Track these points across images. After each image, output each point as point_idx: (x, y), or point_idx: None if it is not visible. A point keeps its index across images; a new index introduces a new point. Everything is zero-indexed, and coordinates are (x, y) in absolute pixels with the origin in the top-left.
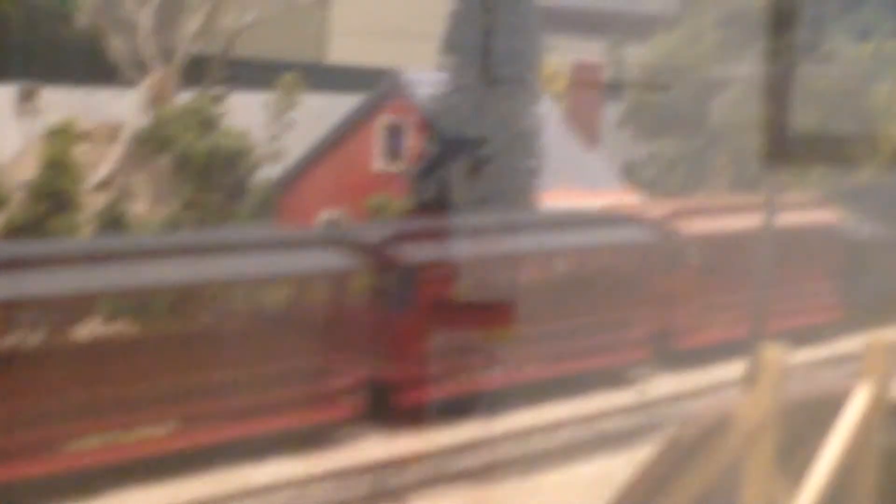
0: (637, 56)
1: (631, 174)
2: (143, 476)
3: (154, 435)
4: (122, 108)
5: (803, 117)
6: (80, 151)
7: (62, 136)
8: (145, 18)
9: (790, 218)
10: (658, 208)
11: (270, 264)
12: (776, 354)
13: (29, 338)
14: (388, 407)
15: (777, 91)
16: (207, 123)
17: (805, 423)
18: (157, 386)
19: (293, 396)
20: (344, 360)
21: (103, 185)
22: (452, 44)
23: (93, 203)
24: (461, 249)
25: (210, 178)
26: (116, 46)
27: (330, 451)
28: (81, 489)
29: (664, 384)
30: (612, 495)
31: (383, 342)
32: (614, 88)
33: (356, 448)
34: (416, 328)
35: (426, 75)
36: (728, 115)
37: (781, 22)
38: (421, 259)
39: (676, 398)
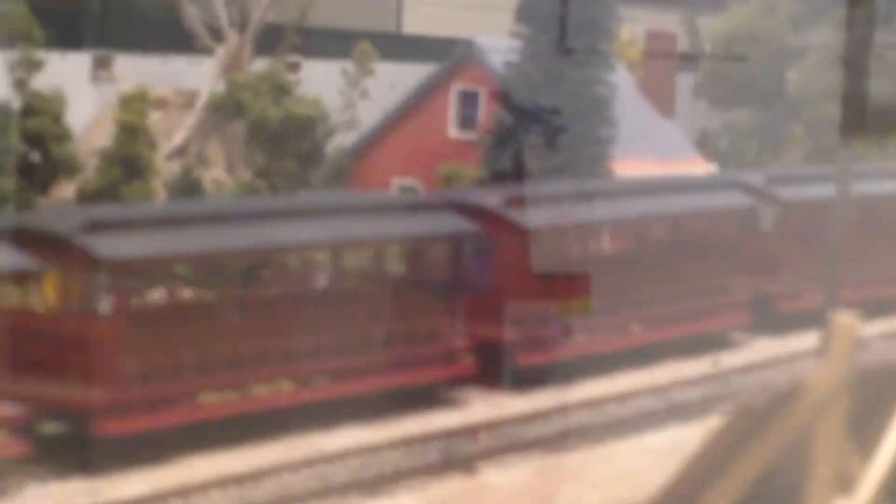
0: (712, 26)
1: (705, 145)
2: (264, 430)
3: (274, 391)
4: (197, 76)
5: (881, 88)
6: (155, 119)
7: (136, 102)
8: None
9: (874, 187)
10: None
11: (391, 227)
12: (847, 323)
13: (176, 293)
14: (500, 368)
15: (855, 61)
16: (280, 90)
17: (878, 393)
18: (284, 343)
19: (410, 356)
20: (457, 322)
21: (178, 152)
22: (527, 12)
23: (167, 170)
24: (568, 215)
25: (283, 145)
26: (192, 14)
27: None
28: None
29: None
30: (681, 463)
31: (496, 305)
32: (689, 58)
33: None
34: (523, 293)
35: (500, 43)
36: (804, 85)
37: None
38: (536, 224)
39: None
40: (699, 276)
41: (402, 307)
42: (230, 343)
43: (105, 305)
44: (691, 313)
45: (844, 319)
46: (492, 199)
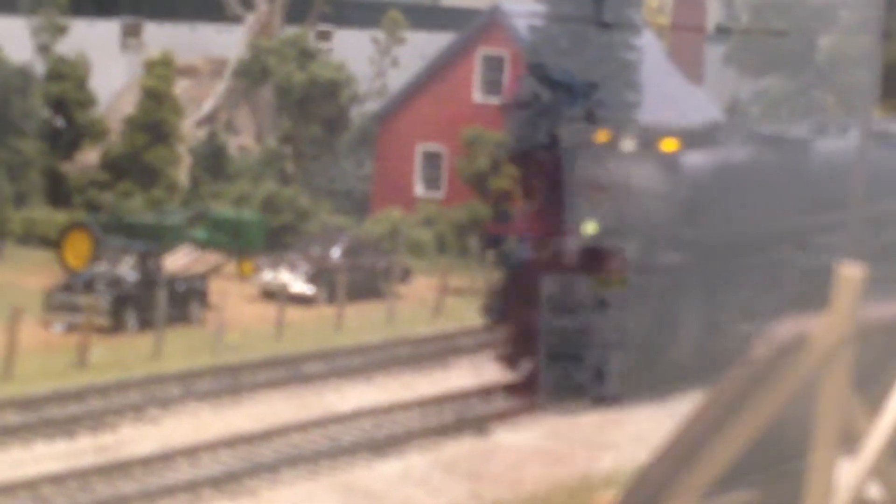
0: None
1: (735, 113)
2: None
3: None
4: (227, 44)
5: None
6: (184, 87)
7: (161, 68)
8: None
9: None
10: None
11: None
12: (853, 274)
13: None
14: None
15: (889, 27)
16: (306, 55)
17: (885, 347)
18: None
19: None
20: None
21: (207, 119)
22: None
23: (195, 136)
24: None
25: (309, 110)
26: None
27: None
28: None
29: None
30: (685, 416)
31: None
32: (719, 26)
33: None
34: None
35: (525, 8)
36: (836, 52)
37: None
38: None
39: None
40: None
41: None
42: None
43: None
44: None
45: (850, 270)
46: None
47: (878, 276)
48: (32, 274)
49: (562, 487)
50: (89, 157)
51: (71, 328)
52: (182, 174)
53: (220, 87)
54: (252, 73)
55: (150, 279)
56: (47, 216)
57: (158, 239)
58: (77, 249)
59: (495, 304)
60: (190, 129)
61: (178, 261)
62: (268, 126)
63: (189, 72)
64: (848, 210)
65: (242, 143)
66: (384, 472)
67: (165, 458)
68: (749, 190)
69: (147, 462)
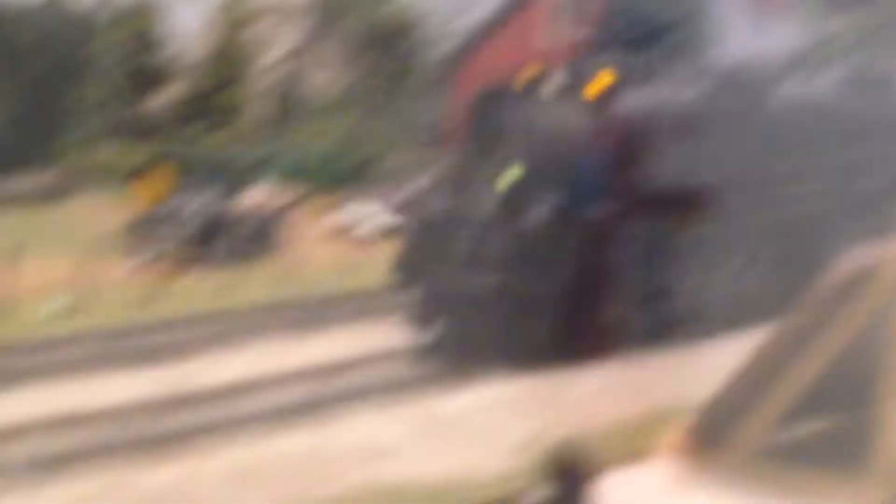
0: None
1: (824, 49)
2: None
3: None
4: None
5: None
6: (263, 25)
7: (234, 9)
8: None
9: None
10: None
11: None
12: None
13: None
14: None
15: None
16: None
17: None
18: None
19: None
20: None
21: (286, 56)
22: None
23: (269, 76)
24: None
25: (384, 48)
26: None
27: None
28: None
29: None
30: (757, 346)
31: None
32: None
33: None
34: None
35: None
36: None
37: None
38: None
39: None
40: None
41: None
42: None
43: None
44: None
45: None
46: None
47: None
48: (111, 210)
49: (632, 421)
50: (168, 95)
51: (150, 261)
52: (261, 111)
53: (297, 26)
54: (330, 11)
55: (228, 214)
56: (126, 154)
57: (237, 175)
58: (156, 185)
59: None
60: (269, 67)
61: (256, 196)
62: (345, 64)
63: (268, 11)
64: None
65: (320, 80)
66: (456, 404)
67: (240, 388)
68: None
69: (223, 392)
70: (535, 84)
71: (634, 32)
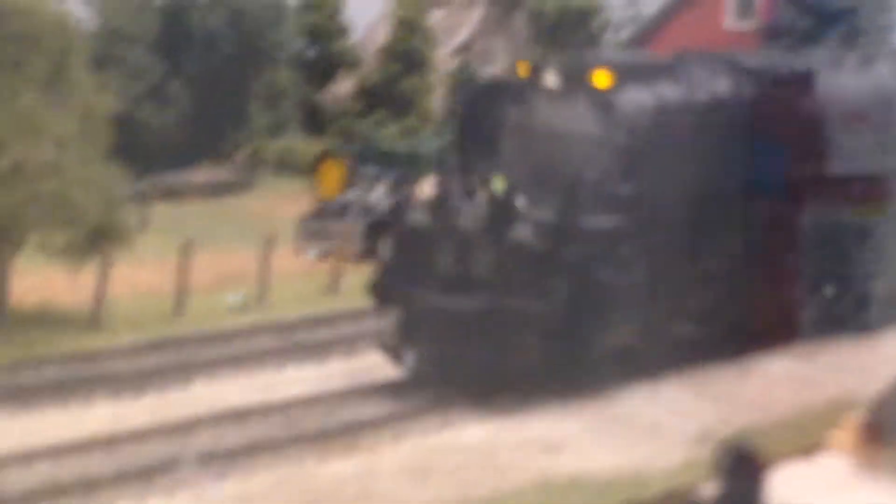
0: None
1: None
2: None
3: None
4: None
5: None
6: (439, 16)
7: None
8: None
9: None
10: None
11: None
12: None
13: None
14: None
15: None
16: None
17: None
18: None
19: None
20: None
21: (461, 48)
22: None
23: (448, 65)
24: None
25: (560, 37)
26: None
27: None
28: None
29: None
30: None
31: None
32: None
33: None
34: None
35: None
36: None
37: None
38: None
39: None
40: None
41: None
42: None
43: None
44: None
45: None
46: None
47: None
48: (287, 202)
49: (811, 410)
50: (344, 86)
51: (323, 255)
52: (435, 103)
53: (474, 16)
54: (505, 1)
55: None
56: (302, 145)
57: (411, 167)
58: (330, 178)
59: None
60: (444, 58)
61: (431, 189)
62: (521, 54)
63: (443, 1)
64: None
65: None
66: (633, 395)
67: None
68: None
69: (393, 387)
70: (537, 75)
71: (814, 20)
